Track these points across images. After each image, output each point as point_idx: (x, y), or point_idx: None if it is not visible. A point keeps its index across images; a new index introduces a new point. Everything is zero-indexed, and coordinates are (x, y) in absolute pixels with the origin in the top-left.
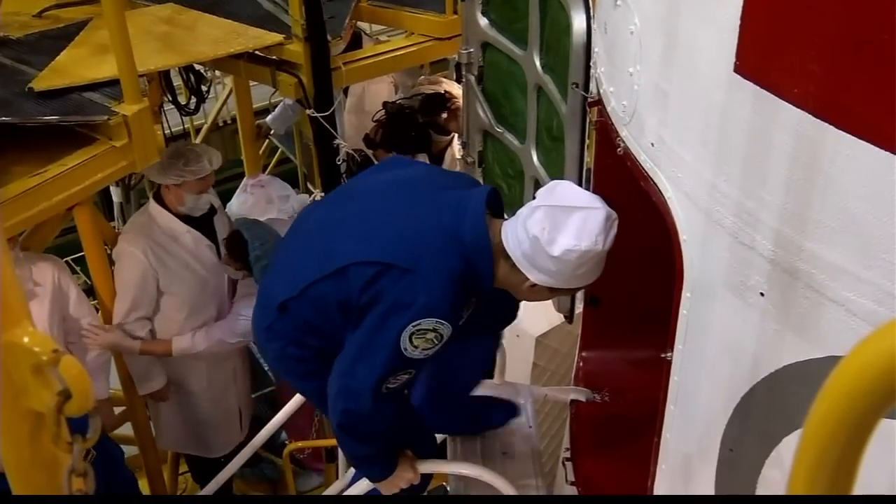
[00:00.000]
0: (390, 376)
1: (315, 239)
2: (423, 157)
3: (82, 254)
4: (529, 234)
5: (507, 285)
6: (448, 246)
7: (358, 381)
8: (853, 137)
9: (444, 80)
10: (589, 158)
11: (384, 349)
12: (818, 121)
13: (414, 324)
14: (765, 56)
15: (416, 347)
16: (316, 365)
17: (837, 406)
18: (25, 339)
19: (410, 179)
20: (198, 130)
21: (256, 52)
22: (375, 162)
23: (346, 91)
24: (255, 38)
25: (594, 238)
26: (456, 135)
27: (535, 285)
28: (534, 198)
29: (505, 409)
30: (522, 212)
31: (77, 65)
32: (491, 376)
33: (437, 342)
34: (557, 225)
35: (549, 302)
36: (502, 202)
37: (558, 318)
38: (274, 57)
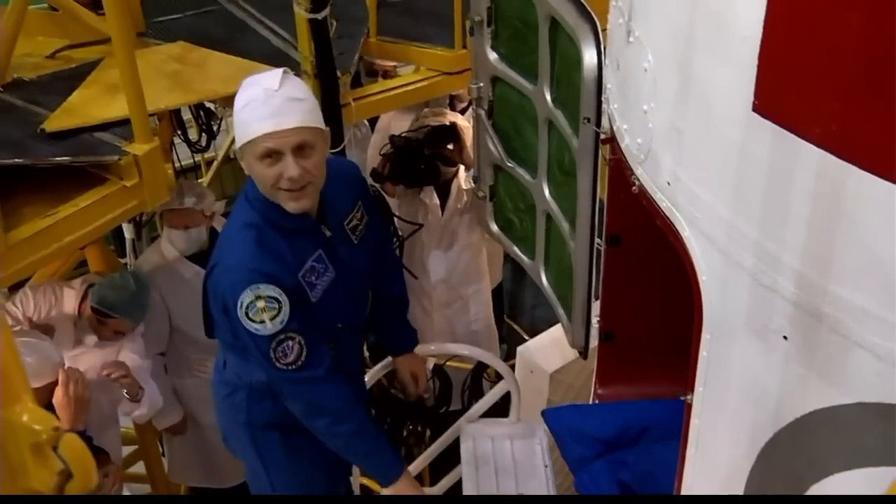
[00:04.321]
0: None
1: None
2: (429, 189)
3: None
4: None
5: None
6: None
7: None
8: (877, 178)
9: (447, 111)
10: (601, 192)
11: None
12: (840, 161)
13: None
14: (784, 95)
15: None
16: None
17: None
18: (25, 417)
19: None
20: (209, 164)
21: None
22: (385, 195)
23: (373, 126)
24: None
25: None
26: (462, 166)
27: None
28: None
29: None
30: None
31: (88, 105)
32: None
33: None
34: None
35: (563, 337)
36: None
37: (573, 354)
38: None
